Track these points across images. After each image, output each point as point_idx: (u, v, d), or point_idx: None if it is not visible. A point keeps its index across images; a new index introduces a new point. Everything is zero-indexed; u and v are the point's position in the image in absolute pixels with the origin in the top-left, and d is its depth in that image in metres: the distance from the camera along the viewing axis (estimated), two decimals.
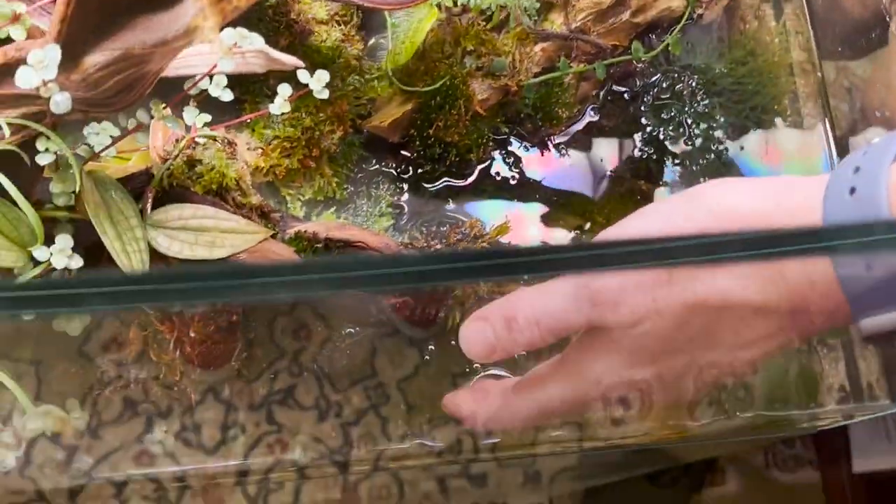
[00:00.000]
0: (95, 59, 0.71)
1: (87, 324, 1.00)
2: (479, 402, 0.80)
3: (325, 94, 0.92)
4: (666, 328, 0.64)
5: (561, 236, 1.14)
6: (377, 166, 1.10)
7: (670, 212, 0.66)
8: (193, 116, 0.94)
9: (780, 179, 0.64)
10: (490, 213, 1.12)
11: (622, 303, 0.64)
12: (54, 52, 0.68)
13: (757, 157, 1.20)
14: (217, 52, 0.76)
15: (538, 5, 1.01)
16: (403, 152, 1.11)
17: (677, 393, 0.72)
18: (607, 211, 1.16)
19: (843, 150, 1.25)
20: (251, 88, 1.01)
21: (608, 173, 1.16)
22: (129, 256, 0.84)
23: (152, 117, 0.83)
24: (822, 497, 1.27)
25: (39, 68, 0.68)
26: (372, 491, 1.10)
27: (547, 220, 1.14)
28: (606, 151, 1.17)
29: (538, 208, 1.14)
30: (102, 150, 0.81)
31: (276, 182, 1.02)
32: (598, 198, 1.16)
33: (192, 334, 0.94)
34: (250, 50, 0.78)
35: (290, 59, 0.78)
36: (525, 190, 1.14)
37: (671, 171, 1.17)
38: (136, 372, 0.96)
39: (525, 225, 1.13)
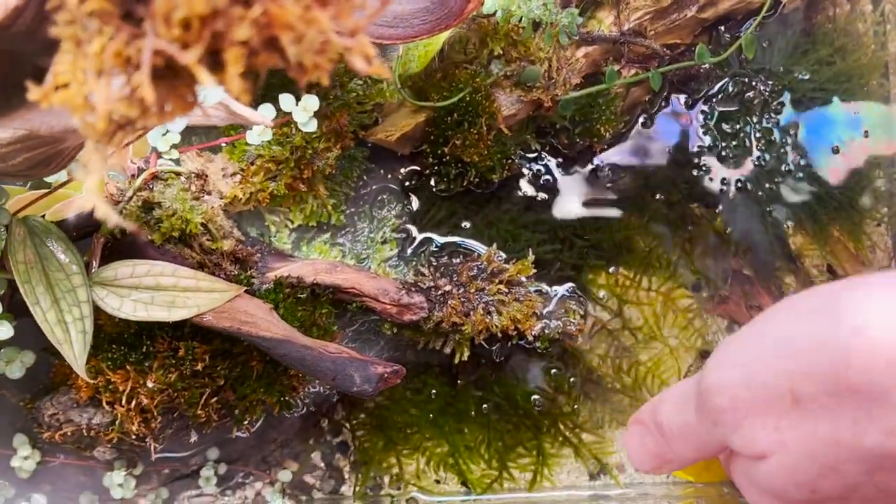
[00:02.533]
0: None
1: (29, 366, 0.88)
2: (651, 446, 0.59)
3: (313, 127, 0.77)
4: (802, 471, 0.44)
5: (595, 273, 0.98)
6: (382, 183, 0.94)
7: (792, 329, 0.44)
8: (158, 138, 0.79)
9: None
10: (512, 241, 0.96)
11: (738, 427, 0.46)
12: None
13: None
14: None
15: (581, 20, 0.82)
16: (414, 167, 0.94)
17: None
18: (650, 239, 0.99)
19: None
20: None
21: (657, 195, 0.99)
22: (65, 328, 0.71)
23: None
24: None
25: None
26: None
27: (581, 250, 0.97)
28: (656, 169, 0.99)
29: (569, 235, 0.97)
30: (24, 208, 0.67)
31: (259, 207, 0.87)
32: (643, 224, 0.99)
33: (150, 384, 0.81)
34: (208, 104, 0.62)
35: (255, 116, 0.62)
36: (557, 213, 0.97)
37: (731, 196, 0.99)
38: (89, 416, 0.84)
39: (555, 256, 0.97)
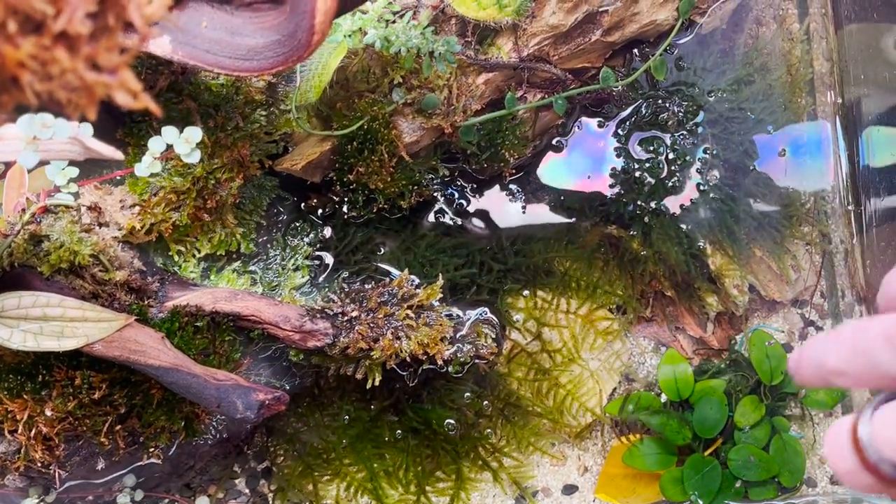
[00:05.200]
0: None
1: None
2: None
3: (196, 158, 0.78)
4: None
5: (514, 295, 0.98)
6: (294, 212, 0.95)
7: None
8: (56, 171, 0.81)
9: None
10: (429, 266, 0.96)
11: None
12: None
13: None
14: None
15: (458, 48, 0.83)
16: (325, 195, 0.96)
17: None
18: (569, 262, 0.99)
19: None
20: (134, 130, 0.87)
21: (573, 218, 0.99)
22: None
23: None
24: None
25: None
26: None
27: (498, 274, 0.98)
28: (572, 192, 0.99)
29: (487, 259, 0.98)
30: None
31: (165, 237, 0.89)
32: (561, 246, 0.99)
33: (49, 412, 0.82)
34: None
35: (108, 151, 0.64)
36: (473, 238, 0.98)
37: (647, 217, 0.99)
38: None
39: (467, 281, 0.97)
